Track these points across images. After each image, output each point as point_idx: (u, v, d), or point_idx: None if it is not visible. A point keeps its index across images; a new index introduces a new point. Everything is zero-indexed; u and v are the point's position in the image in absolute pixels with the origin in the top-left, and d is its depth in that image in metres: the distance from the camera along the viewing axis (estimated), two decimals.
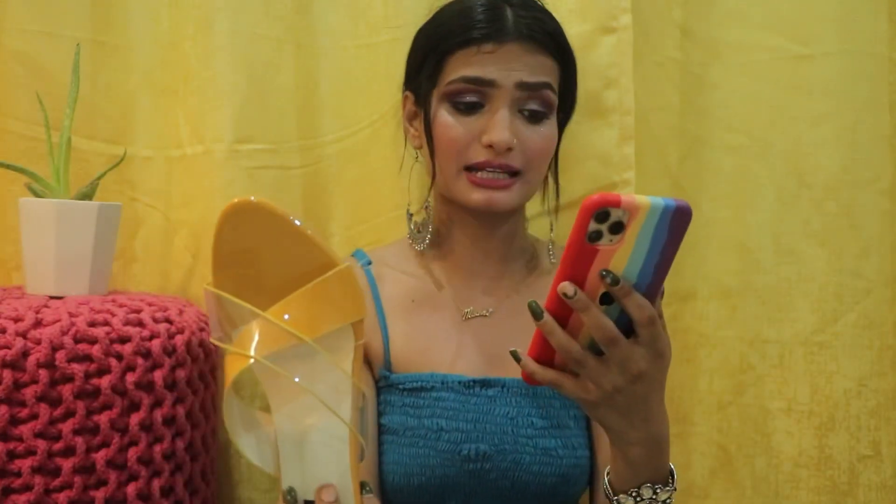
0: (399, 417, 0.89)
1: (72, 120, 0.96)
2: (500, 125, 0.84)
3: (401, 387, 0.90)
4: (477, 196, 0.86)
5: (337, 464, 0.63)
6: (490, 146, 0.84)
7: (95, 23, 1.07)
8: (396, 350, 0.92)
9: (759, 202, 1.07)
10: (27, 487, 0.79)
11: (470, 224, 0.92)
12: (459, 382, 0.88)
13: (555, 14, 1.02)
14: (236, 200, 0.60)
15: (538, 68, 0.86)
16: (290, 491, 0.63)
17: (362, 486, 0.65)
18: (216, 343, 0.63)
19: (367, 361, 0.93)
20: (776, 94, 1.06)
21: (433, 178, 0.92)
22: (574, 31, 1.03)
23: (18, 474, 0.79)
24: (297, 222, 0.61)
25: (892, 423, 1.05)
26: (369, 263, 0.96)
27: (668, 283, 1.09)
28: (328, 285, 0.60)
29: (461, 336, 0.92)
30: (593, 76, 1.03)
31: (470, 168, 0.86)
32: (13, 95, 1.04)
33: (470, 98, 0.86)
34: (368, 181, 1.08)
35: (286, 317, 0.60)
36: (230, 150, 1.04)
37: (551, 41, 0.87)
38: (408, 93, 0.94)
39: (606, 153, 1.04)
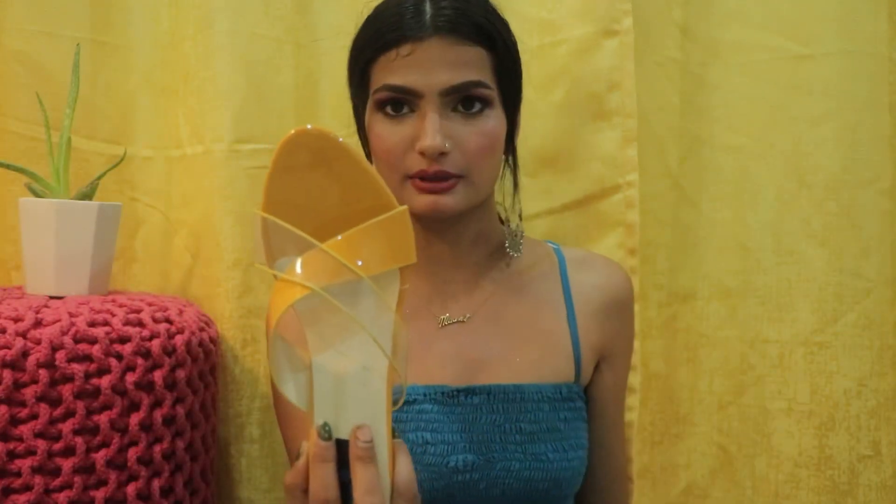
0: None
1: (72, 120, 0.96)
2: (429, 131, 0.78)
3: None
4: (421, 201, 0.81)
5: (373, 406, 0.62)
6: (423, 153, 0.79)
7: (95, 23, 1.07)
8: None
9: (759, 202, 1.07)
10: (27, 487, 0.79)
11: (427, 239, 0.88)
12: (442, 393, 0.84)
13: (555, 17, 1.02)
14: (303, 127, 0.59)
15: (463, 65, 0.80)
16: (324, 426, 0.61)
17: (392, 431, 0.64)
18: (262, 268, 0.61)
19: None
20: (776, 94, 1.06)
21: None
22: (575, 35, 1.04)
23: (18, 474, 0.79)
24: (364, 162, 0.59)
25: (892, 423, 1.05)
26: None
27: (668, 283, 1.10)
28: (385, 226, 0.59)
29: (440, 344, 0.88)
30: (595, 79, 1.03)
31: (412, 176, 0.81)
32: (13, 95, 1.04)
33: (397, 105, 0.81)
34: None
35: (338, 248, 0.59)
36: (230, 150, 1.03)
37: (476, 30, 0.80)
38: (355, 101, 0.91)
39: (609, 155, 1.04)
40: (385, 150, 0.82)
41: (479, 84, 0.80)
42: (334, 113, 1.08)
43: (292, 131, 0.59)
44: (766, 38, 1.06)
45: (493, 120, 0.82)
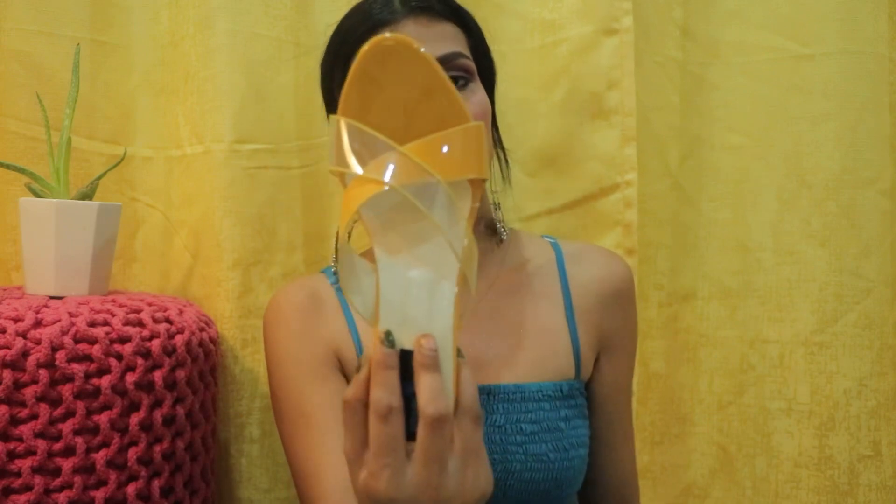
0: None
1: (72, 120, 0.96)
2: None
3: None
4: None
5: (440, 316, 0.59)
6: None
7: (95, 23, 1.07)
8: None
9: (759, 202, 1.07)
10: (27, 487, 0.79)
11: None
12: None
13: (556, 17, 1.02)
14: (383, 36, 0.59)
15: (442, 40, 0.81)
16: (388, 334, 0.59)
17: (458, 351, 0.61)
18: (336, 171, 0.60)
19: (343, 373, 0.90)
20: (776, 93, 1.06)
21: None
22: (576, 33, 1.04)
23: (18, 474, 0.79)
24: (442, 72, 0.59)
25: (892, 423, 1.05)
26: (338, 281, 0.96)
27: (668, 283, 1.11)
28: (462, 136, 0.59)
29: None
30: (595, 77, 1.03)
31: None
32: (13, 95, 1.04)
33: None
34: None
35: (415, 152, 0.58)
36: (230, 150, 1.04)
37: (448, 8, 0.83)
38: (332, 116, 0.91)
39: (608, 154, 1.04)
40: None
41: (461, 55, 0.81)
42: None
43: (373, 39, 0.58)
44: (766, 38, 1.06)
45: (480, 92, 0.83)
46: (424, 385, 0.57)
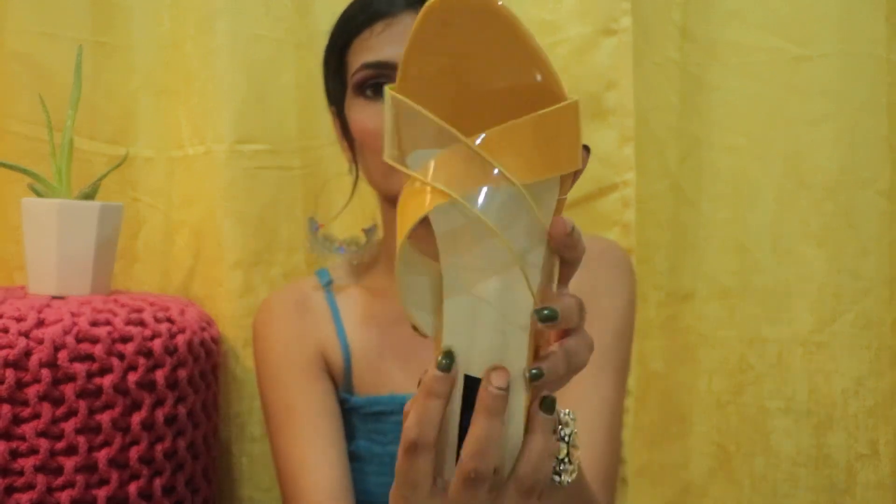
0: (364, 444, 0.86)
1: (74, 121, 0.96)
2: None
3: (362, 412, 0.86)
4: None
5: (514, 346, 0.49)
6: None
7: (96, 24, 1.07)
8: (357, 370, 0.88)
9: (757, 202, 1.07)
10: (30, 486, 0.80)
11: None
12: None
13: (555, 17, 1.02)
14: None
15: None
16: (448, 355, 0.49)
17: (542, 402, 0.50)
18: (392, 162, 0.49)
19: (331, 377, 0.89)
20: (775, 94, 1.06)
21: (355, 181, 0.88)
22: (574, 33, 1.04)
23: (21, 473, 0.80)
24: (527, 33, 0.46)
25: (889, 422, 1.05)
26: (330, 283, 0.92)
27: (667, 284, 1.11)
28: (550, 121, 0.46)
29: (420, 352, 0.84)
30: (593, 78, 1.04)
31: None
32: (15, 96, 1.05)
33: (376, 82, 0.78)
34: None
35: (487, 145, 0.47)
36: (231, 151, 1.04)
37: None
38: (332, 109, 0.90)
39: (606, 154, 1.04)
40: (369, 134, 0.80)
41: None
42: None
43: None
44: (764, 40, 1.06)
45: None
46: (477, 431, 0.48)
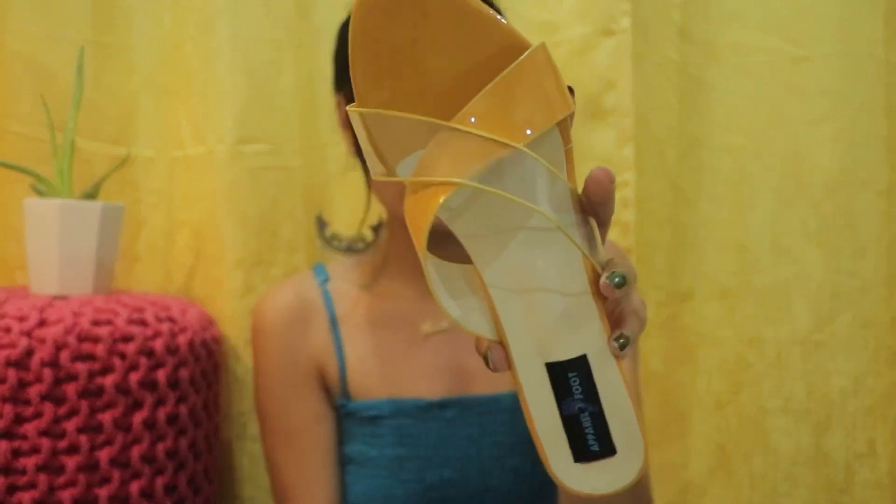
0: (360, 447, 0.85)
1: (75, 121, 0.97)
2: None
3: (358, 416, 0.85)
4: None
5: (584, 317, 0.47)
6: None
7: (97, 24, 1.08)
8: (353, 375, 0.86)
9: (756, 202, 1.08)
10: (32, 485, 0.80)
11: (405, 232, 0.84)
12: (416, 407, 0.82)
13: (555, 18, 1.02)
14: None
15: None
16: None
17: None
18: (382, 179, 0.47)
19: (325, 387, 0.88)
20: (774, 95, 1.06)
21: (370, 186, 0.88)
22: (574, 34, 1.04)
23: (23, 472, 0.80)
24: (473, 1, 0.44)
25: (887, 421, 1.05)
26: (326, 281, 0.90)
27: (667, 284, 1.11)
28: (523, 73, 0.43)
29: (420, 355, 0.86)
30: (593, 78, 1.04)
31: None
32: (17, 97, 1.05)
33: None
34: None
35: (472, 121, 0.43)
36: (232, 151, 1.04)
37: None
38: (339, 97, 0.89)
39: (606, 154, 1.04)
40: None
41: None
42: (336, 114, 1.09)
43: None
44: (763, 40, 1.07)
45: None
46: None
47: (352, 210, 1.09)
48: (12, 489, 0.80)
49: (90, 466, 0.82)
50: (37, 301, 0.88)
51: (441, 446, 0.82)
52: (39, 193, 0.96)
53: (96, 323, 0.84)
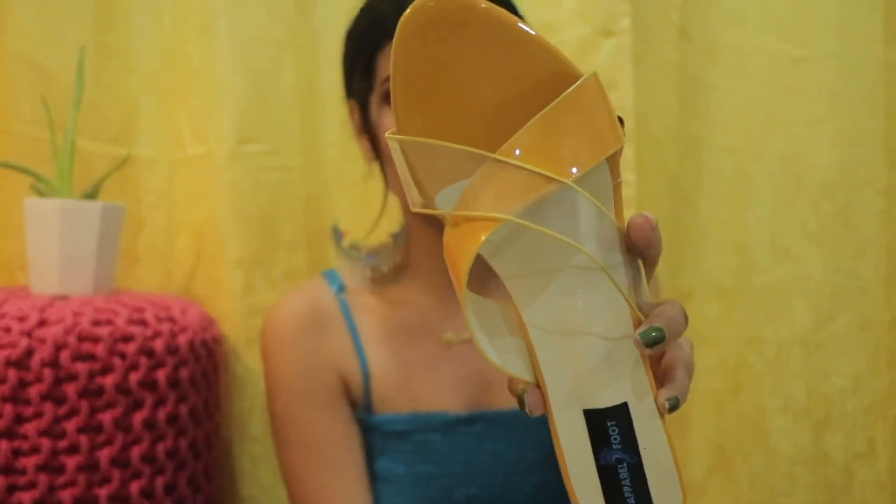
0: (387, 464, 0.82)
1: (76, 121, 0.97)
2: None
3: (382, 430, 0.82)
4: None
5: (624, 364, 0.45)
6: None
7: (98, 25, 1.08)
8: (377, 387, 0.83)
9: (756, 202, 1.08)
10: (32, 485, 0.80)
11: (436, 237, 0.82)
12: (444, 422, 0.80)
13: (555, 17, 1.02)
14: (421, 4, 0.41)
15: None
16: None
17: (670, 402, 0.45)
18: (421, 210, 0.44)
19: (349, 402, 0.84)
20: (773, 95, 1.07)
21: (387, 193, 0.85)
22: (574, 34, 1.04)
23: (23, 472, 0.80)
24: (520, 25, 0.42)
25: (887, 421, 1.05)
26: (342, 290, 0.86)
27: (667, 283, 1.11)
28: (574, 103, 0.41)
29: (443, 366, 0.83)
30: None
31: None
32: (17, 97, 1.05)
33: None
34: (370, 183, 1.09)
35: (517, 153, 0.41)
36: (232, 152, 1.04)
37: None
38: (352, 102, 0.86)
39: None
40: None
41: None
42: (337, 115, 1.08)
43: (414, 8, 0.42)
44: (763, 41, 1.07)
45: None
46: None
47: (352, 210, 1.10)
48: (12, 489, 0.80)
49: (90, 466, 0.82)
50: (37, 301, 0.88)
51: (469, 462, 0.79)
52: (40, 193, 0.96)
53: (96, 323, 0.84)
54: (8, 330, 0.81)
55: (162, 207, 1.11)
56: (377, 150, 0.83)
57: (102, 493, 0.82)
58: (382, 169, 0.85)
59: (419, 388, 0.82)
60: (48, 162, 0.97)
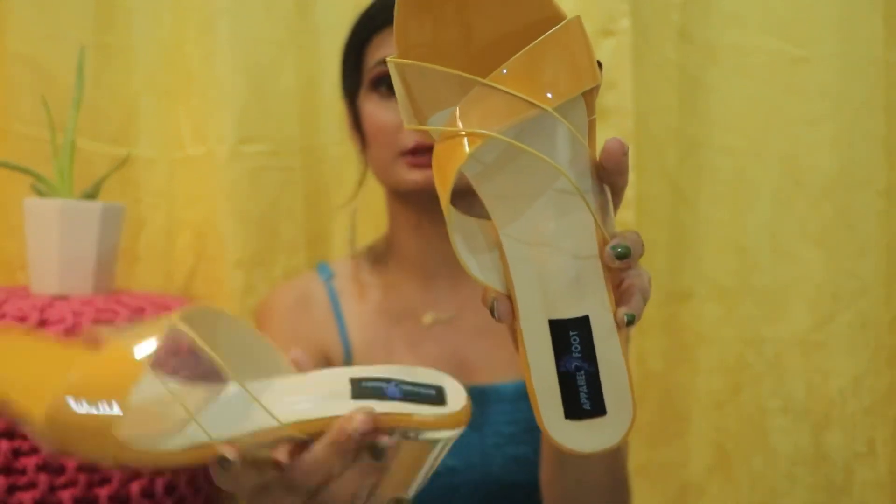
0: None
1: (76, 121, 0.97)
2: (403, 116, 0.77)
3: None
4: (414, 176, 0.80)
5: (591, 278, 0.49)
6: None
7: (98, 25, 1.08)
8: (358, 364, 0.86)
9: (756, 203, 1.08)
10: (32, 485, 0.80)
11: (418, 219, 0.86)
12: None
13: None
14: None
15: None
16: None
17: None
18: (414, 127, 0.49)
19: None
20: (773, 96, 1.07)
21: (365, 175, 0.90)
22: None
23: (23, 472, 0.80)
24: None
25: (886, 420, 1.06)
26: (331, 277, 0.92)
27: (667, 284, 1.11)
28: (557, 41, 0.45)
29: (423, 345, 0.86)
30: None
31: (405, 153, 0.81)
32: (17, 97, 1.05)
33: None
34: (370, 183, 1.09)
35: (504, 77, 0.45)
36: (232, 152, 1.04)
37: None
38: (347, 101, 0.91)
39: None
40: (378, 128, 0.82)
41: None
42: (337, 115, 1.09)
43: None
44: (763, 41, 1.07)
45: None
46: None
47: (351, 210, 1.09)
48: (13, 489, 0.80)
49: (90, 466, 0.82)
50: (37, 301, 0.88)
51: None
52: (40, 193, 0.96)
53: (97, 323, 0.84)
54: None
55: (162, 207, 1.11)
56: (363, 138, 0.87)
57: (102, 493, 0.82)
58: (364, 152, 0.89)
59: (398, 363, 0.83)
60: (48, 162, 0.97)
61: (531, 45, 0.45)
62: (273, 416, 0.52)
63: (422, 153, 0.80)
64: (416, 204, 0.85)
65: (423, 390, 0.57)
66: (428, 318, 0.88)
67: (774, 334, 1.07)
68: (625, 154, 0.47)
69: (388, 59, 0.47)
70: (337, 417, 0.52)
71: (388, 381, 0.56)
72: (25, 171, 0.96)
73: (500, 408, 0.84)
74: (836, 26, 1.04)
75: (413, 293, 0.89)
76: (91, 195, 0.97)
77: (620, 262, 0.47)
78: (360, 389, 0.55)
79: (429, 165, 0.77)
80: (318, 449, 0.51)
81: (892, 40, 1.05)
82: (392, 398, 0.55)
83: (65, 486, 0.81)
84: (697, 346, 1.10)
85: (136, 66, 1.09)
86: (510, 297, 0.49)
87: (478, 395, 0.82)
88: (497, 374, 0.85)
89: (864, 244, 1.05)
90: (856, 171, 1.05)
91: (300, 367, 0.60)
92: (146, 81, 1.10)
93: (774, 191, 1.07)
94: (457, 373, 0.83)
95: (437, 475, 0.79)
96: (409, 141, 0.80)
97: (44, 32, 1.05)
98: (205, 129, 1.06)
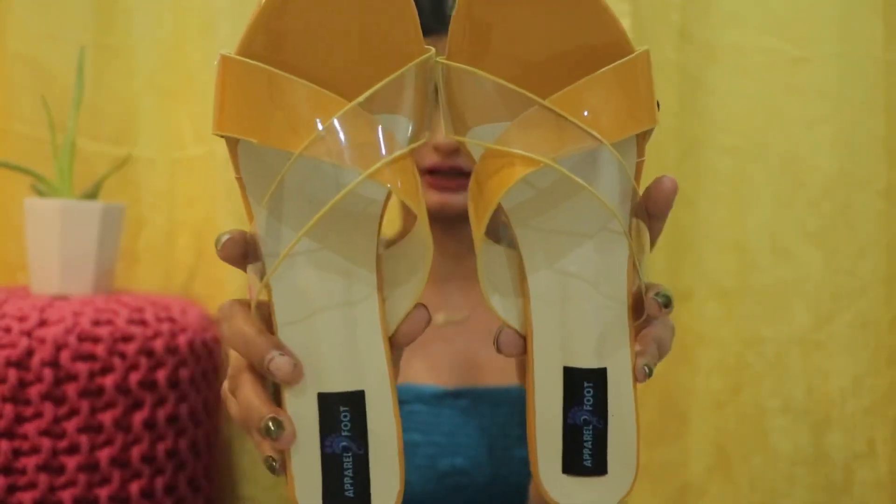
0: None
1: (76, 122, 0.97)
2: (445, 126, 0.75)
3: None
4: (430, 198, 0.79)
5: (615, 325, 0.45)
6: (437, 149, 0.76)
7: (98, 25, 1.08)
8: None
9: (755, 203, 1.08)
10: (32, 485, 0.80)
11: (436, 227, 0.85)
12: (431, 394, 0.83)
13: None
14: None
15: None
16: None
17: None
18: (457, 139, 0.44)
19: None
20: (773, 96, 1.07)
21: None
22: None
23: (24, 472, 0.80)
24: None
25: (887, 420, 1.05)
26: None
27: (667, 283, 1.11)
28: (625, 74, 0.42)
29: (435, 346, 0.86)
30: None
31: (422, 171, 0.78)
32: (18, 97, 1.05)
33: None
34: None
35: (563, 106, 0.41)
36: None
37: None
38: (437, 61, 0.88)
39: None
40: None
41: None
42: None
43: None
44: (763, 41, 1.07)
45: None
46: None
47: None
48: (13, 489, 0.80)
49: (90, 466, 0.82)
50: (37, 301, 0.88)
51: (453, 434, 0.82)
52: (40, 193, 0.96)
53: (96, 323, 0.85)
54: (8, 330, 0.82)
55: (162, 207, 1.11)
56: None
57: (102, 493, 0.83)
58: None
59: (410, 363, 0.84)
60: (48, 162, 0.97)
61: (597, 73, 0.41)
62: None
63: (442, 174, 0.78)
64: (434, 220, 0.84)
65: None
66: (440, 319, 0.87)
67: (774, 334, 1.07)
68: (675, 192, 0.45)
69: (437, 58, 0.43)
70: None
71: None
72: (25, 171, 0.96)
73: (509, 410, 0.83)
74: (836, 26, 1.04)
75: (425, 293, 0.88)
76: (91, 195, 0.97)
77: (664, 310, 0.44)
78: None
79: (447, 188, 0.78)
80: None
81: (892, 40, 1.04)
82: None
83: (65, 486, 0.81)
84: (697, 346, 1.10)
85: (136, 66, 1.09)
86: (526, 335, 0.46)
87: (487, 397, 0.83)
88: (507, 377, 0.84)
89: (864, 244, 1.05)
90: (856, 171, 1.05)
91: None
92: (146, 82, 1.10)
93: (774, 191, 1.07)
94: (466, 374, 0.85)
95: (445, 475, 0.80)
96: (429, 159, 0.78)
97: (44, 32, 1.05)
98: (205, 130, 1.06)
